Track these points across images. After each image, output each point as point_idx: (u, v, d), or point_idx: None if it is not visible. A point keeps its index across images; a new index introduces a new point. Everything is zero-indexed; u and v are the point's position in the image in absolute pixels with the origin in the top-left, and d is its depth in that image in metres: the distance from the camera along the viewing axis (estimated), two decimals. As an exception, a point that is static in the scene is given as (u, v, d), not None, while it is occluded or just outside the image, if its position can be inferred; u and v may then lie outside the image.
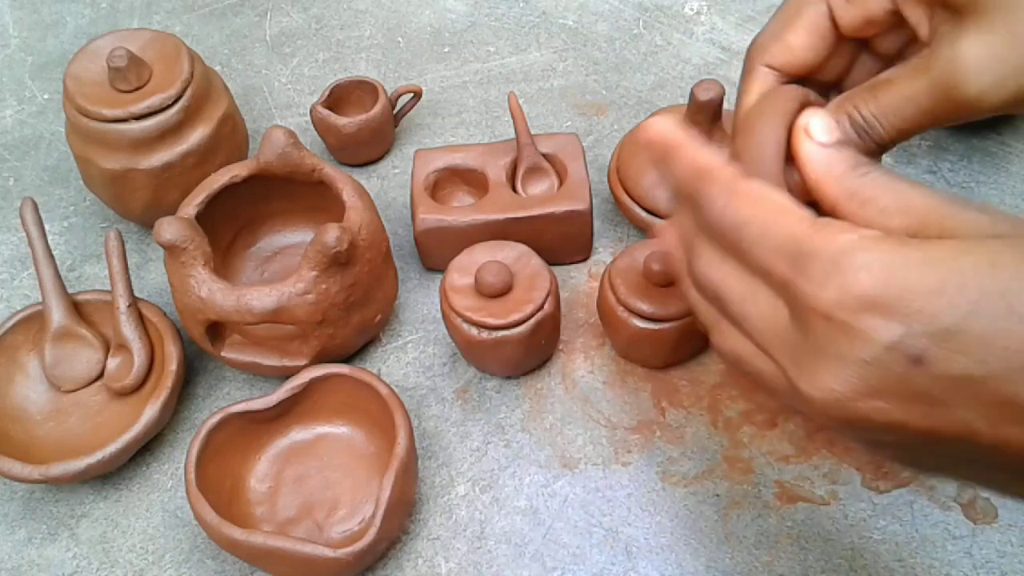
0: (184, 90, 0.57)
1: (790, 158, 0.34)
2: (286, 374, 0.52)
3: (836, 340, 0.27)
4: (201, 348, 0.56)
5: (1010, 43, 0.31)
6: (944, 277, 0.25)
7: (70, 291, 0.56)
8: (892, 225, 0.29)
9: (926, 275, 0.25)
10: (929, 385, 0.26)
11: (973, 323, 0.25)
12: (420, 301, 0.60)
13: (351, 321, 0.52)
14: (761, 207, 0.30)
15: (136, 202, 0.60)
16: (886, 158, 0.65)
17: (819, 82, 0.39)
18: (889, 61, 0.38)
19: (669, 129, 0.34)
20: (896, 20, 0.36)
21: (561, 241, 0.58)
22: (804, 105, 0.35)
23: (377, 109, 0.65)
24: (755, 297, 0.31)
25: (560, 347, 0.57)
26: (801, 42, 0.37)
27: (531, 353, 0.53)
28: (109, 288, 0.55)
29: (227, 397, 0.57)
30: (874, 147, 0.34)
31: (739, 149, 0.34)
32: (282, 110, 0.73)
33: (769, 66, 0.38)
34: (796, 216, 0.29)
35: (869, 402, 0.27)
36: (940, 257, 0.26)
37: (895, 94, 0.33)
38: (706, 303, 0.34)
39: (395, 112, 0.68)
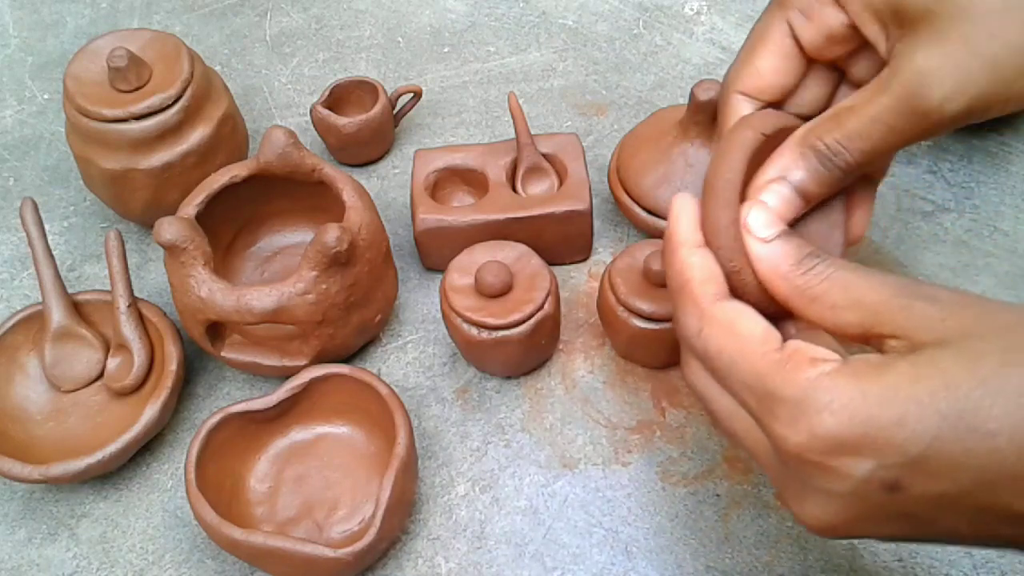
0: (184, 90, 0.57)
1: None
2: (286, 374, 0.52)
3: (814, 476, 0.28)
4: (201, 348, 0.56)
5: (966, 51, 0.31)
6: (904, 408, 0.26)
7: (70, 291, 0.56)
8: (843, 321, 0.30)
9: (886, 408, 0.26)
10: (909, 506, 0.27)
11: (939, 448, 0.25)
12: (420, 301, 0.60)
13: (351, 321, 0.52)
14: (728, 338, 0.31)
15: (136, 202, 0.60)
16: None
17: (803, 117, 0.39)
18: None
19: (678, 218, 0.35)
20: (857, 37, 0.36)
21: (561, 241, 0.58)
22: (782, 133, 0.35)
23: (377, 109, 0.65)
24: (739, 417, 0.32)
25: (560, 347, 0.57)
26: (768, 65, 0.37)
27: (531, 353, 0.53)
28: (109, 288, 0.55)
29: (227, 397, 0.57)
30: (840, 175, 0.34)
31: (703, 217, 0.35)
32: (282, 110, 0.73)
33: (742, 93, 0.38)
34: (760, 350, 0.30)
35: (856, 525, 0.29)
36: (897, 386, 0.26)
37: (859, 117, 0.33)
38: None
39: (395, 112, 0.68)
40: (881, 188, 0.63)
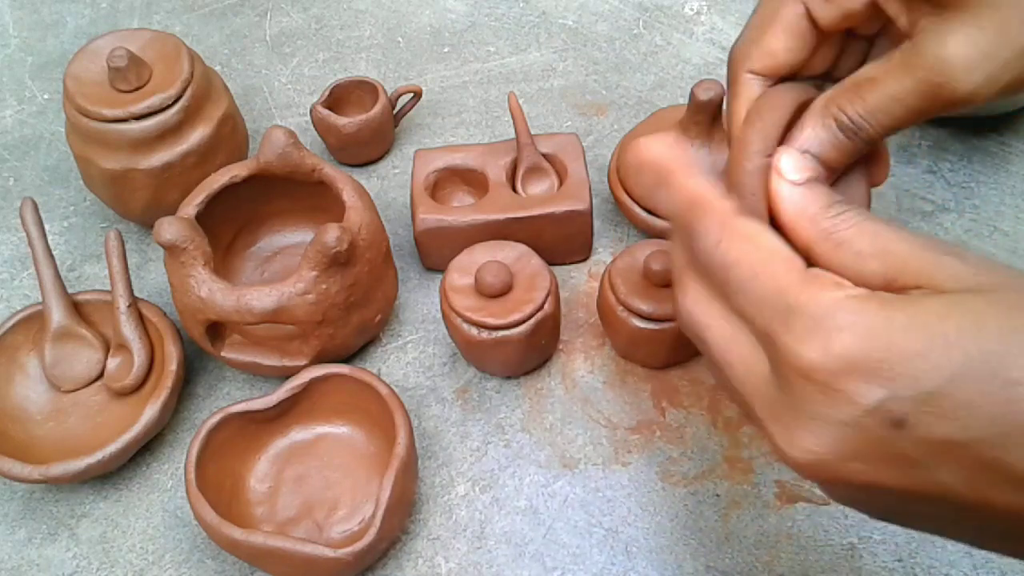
0: (184, 90, 0.57)
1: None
2: (286, 374, 0.52)
3: (816, 400, 0.26)
4: (201, 348, 0.56)
5: (999, 38, 0.30)
6: (928, 340, 0.25)
7: (70, 291, 0.56)
8: (868, 269, 0.28)
9: (910, 338, 0.25)
10: (910, 448, 0.25)
11: (956, 388, 0.24)
12: (420, 301, 0.60)
13: (351, 321, 0.52)
14: (752, 250, 0.29)
15: (136, 202, 0.60)
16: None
17: (808, 77, 0.38)
18: (872, 43, 0.38)
19: (665, 151, 0.34)
20: (876, 15, 0.35)
21: (561, 241, 0.58)
22: (800, 106, 0.35)
23: (377, 109, 0.65)
24: (738, 343, 0.30)
25: (560, 347, 0.57)
26: (782, 45, 0.36)
27: (531, 353, 0.53)
28: (109, 288, 0.55)
29: (227, 397, 0.57)
30: (863, 147, 0.34)
31: (731, 164, 0.34)
32: (282, 110, 0.73)
33: (753, 72, 0.37)
34: (786, 265, 0.28)
35: (848, 464, 0.27)
36: (925, 319, 0.25)
37: (882, 94, 0.33)
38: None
39: (395, 112, 0.68)
40: (881, 188, 0.63)
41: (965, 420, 0.24)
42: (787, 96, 0.35)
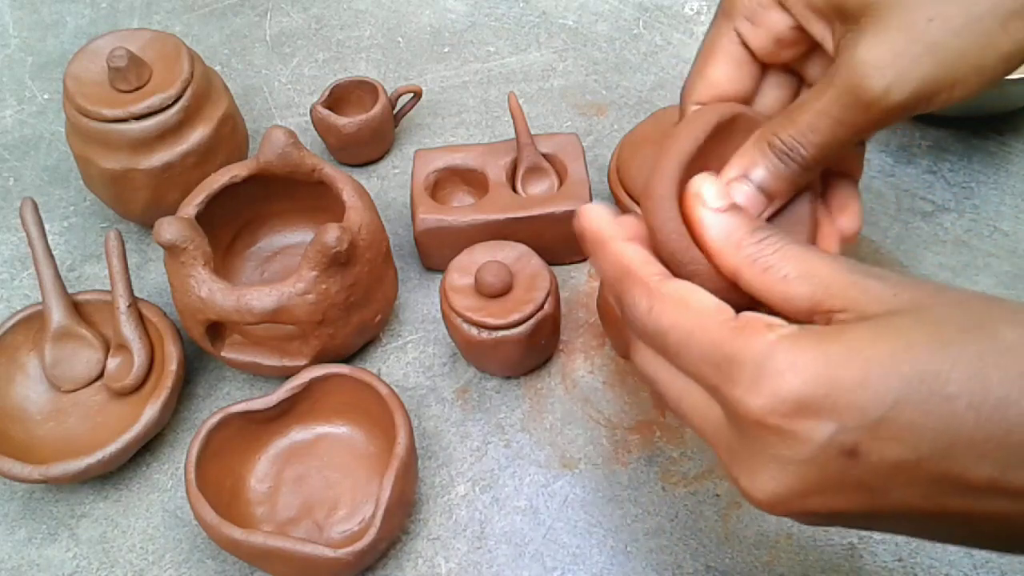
0: (184, 90, 0.57)
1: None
2: (286, 374, 0.52)
3: (771, 443, 0.27)
4: (201, 348, 0.56)
5: (906, 37, 0.31)
6: (866, 369, 0.26)
7: (70, 291, 0.56)
8: (795, 292, 0.29)
9: (848, 369, 0.26)
10: (865, 475, 0.26)
11: (900, 411, 0.25)
12: (420, 301, 0.60)
13: (351, 321, 0.52)
14: (683, 312, 0.30)
15: (136, 202, 0.60)
16: (886, 158, 0.65)
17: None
18: None
19: (597, 220, 0.34)
20: (805, 38, 0.36)
21: (561, 241, 0.58)
22: (726, 123, 0.35)
23: (377, 109, 0.65)
24: (690, 396, 0.31)
25: (560, 347, 0.57)
26: (722, 74, 0.37)
27: (531, 353, 0.53)
28: (109, 288, 0.55)
29: (227, 397, 0.57)
30: (799, 171, 0.34)
31: (645, 190, 0.34)
32: (282, 110, 0.73)
33: (699, 103, 0.38)
34: (717, 319, 0.29)
35: (810, 498, 0.28)
36: (858, 348, 0.26)
37: (809, 112, 0.33)
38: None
39: (395, 112, 0.68)
40: (881, 188, 0.64)
41: (912, 440, 0.25)
42: (703, 118, 0.35)
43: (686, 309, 0.30)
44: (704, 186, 0.33)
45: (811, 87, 0.39)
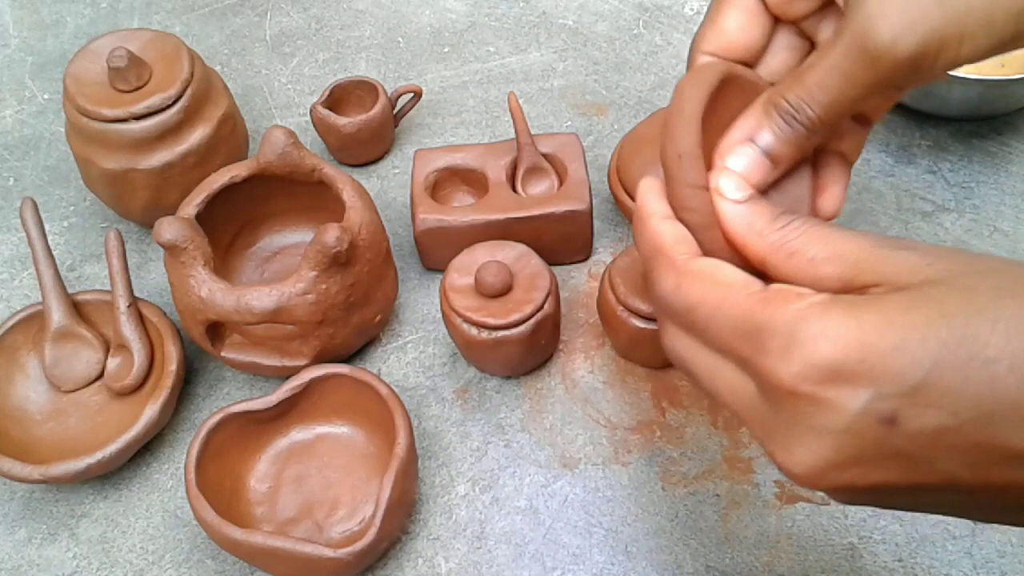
0: (184, 90, 0.57)
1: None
2: (286, 374, 0.52)
3: (806, 413, 0.27)
4: (201, 348, 0.56)
5: None
6: (901, 334, 0.25)
7: (70, 291, 0.56)
8: (824, 274, 0.29)
9: (883, 335, 0.25)
10: (905, 443, 0.26)
11: (938, 375, 0.24)
12: (420, 301, 0.60)
13: (351, 321, 0.52)
14: (710, 287, 0.30)
15: (136, 202, 0.60)
16: (886, 158, 0.65)
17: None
18: None
19: (644, 195, 0.34)
20: None
21: (561, 241, 0.58)
22: (723, 80, 0.35)
23: (377, 109, 0.65)
24: (721, 372, 0.31)
25: (560, 347, 0.57)
26: (733, 23, 0.37)
27: (531, 353, 0.53)
28: (109, 288, 0.55)
29: (227, 397, 0.57)
30: (805, 133, 0.34)
31: (661, 147, 0.34)
32: (282, 110, 0.73)
33: (708, 53, 0.37)
34: (744, 292, 0.29)
35: (850, 470, 0.27)
36: (892, 314, 0.25)
37: (816, 69, 0.33)
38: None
39: (395, 112, 0.68)
40: (881, 188, 0.64)
41: (953, 406, 0.24)
42: (703, 75, 0.34)
43: (713, 283, 0.30)
44: (721, 179, 0.33)
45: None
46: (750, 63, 0.38)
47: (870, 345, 0.25)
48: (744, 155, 0.34)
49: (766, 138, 0.34)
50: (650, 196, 0.34)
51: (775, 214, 0.31)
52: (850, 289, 0.28)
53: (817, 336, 0.26)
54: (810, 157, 0.37)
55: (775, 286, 0.29)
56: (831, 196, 0.37)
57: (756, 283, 0.29)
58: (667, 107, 0.35)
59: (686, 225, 0.33)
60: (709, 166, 0.34)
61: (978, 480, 0.26)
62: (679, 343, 0.32)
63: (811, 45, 0.39)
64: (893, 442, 0.26)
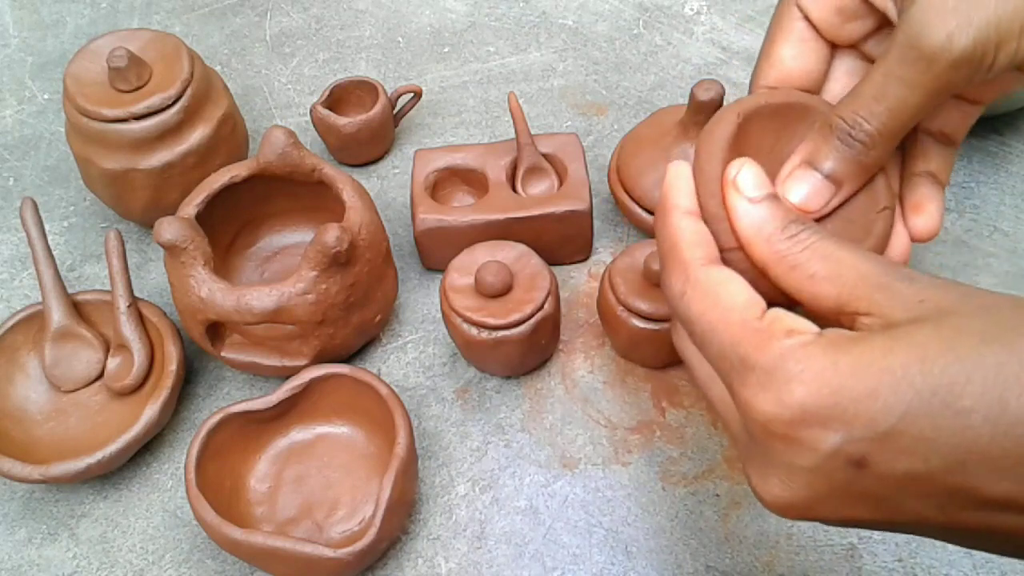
0: (184, 90, 0.57)
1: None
2: (286, 374, 0.52)
3: (778, 449, 0.27)
4: (201, 348, 0.56)
5: None
6: (876, 380, 0.25)
7: (70, 291, 0.56)
8: (821, 292, 0.29)
9: (859, 380, 0.25)
10: (875, 485, 0.26)
11: (910, 423, 0.25)
12: (420, 301, 0.60)
13: (351, 321, 0.52)
14: (711, 305, 0.30)
15: (136, 202, 0.60)
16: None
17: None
18: None
19: (673, 184, 0.34)
20: (868, 10, 0.35)
21: (561, 241, 0.58)
22: (781, 103, 0.34)
23: (377, 109, 0.65)
24: (715, 386, 0.31)
25: (560, 347, 0.57)
26: (787, 53, 0.36)
27: (531, 353, 0.53)
28: (109, 288, 0.55)
29: (227, 397, 0.57)
30: (864, 150, 0.33)
31: (694, 168, 0.34)
32: (282, 110, 0.73)
33: (767, 87, 0.37)
34: (739, 317, 0.29)
35: (819, 506, 0.27)
36: (871, 358, 0.26)
37: (872, 81, 0.32)
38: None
39: (395, 112, 0.68)
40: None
41: (923, 453, 0.25)
42: (727, 113, 0.34)
43: (714, 301, 0.30)
44: (742, 173, 0.32)
45: None
46: (815, 90, 0.37)
47: (844, 390, 0.25)
48: (804, 180, 0.34)
49: (824, 160, 0.34)
50: (678, 186, 0.33)
51: (787, 220, 0.31)
52: (843, 312, 0.29)
53: (792, 378, 0.26)
54: (889, 177, 0.36)
55: (771, 315, 0.29)
56: (927, 216, 0.37)
57: (756, 308, 0.29)
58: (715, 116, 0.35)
59: (706, 214, 0.33)
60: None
61: (949, 521, 0.26)
62: (684, 345, 0.33)
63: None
64: (862, 483, 0.26)
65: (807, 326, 0.28)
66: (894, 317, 0.27)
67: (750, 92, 0.38)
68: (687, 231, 0.32)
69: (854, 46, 0.38)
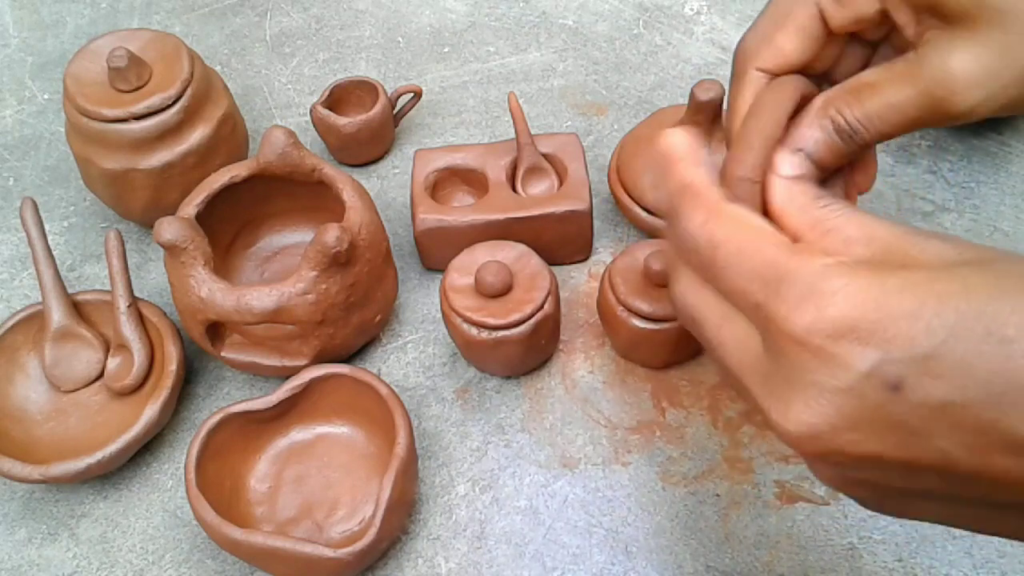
0: (184, 90, 0.57)
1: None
2: (286, 374, 0.52)
3: (810, 367, 0.26)
4: (201, 348, 0.56)
5: (1003, 59, 0.31)
6: (921, 301, 0.25)
7: (70, 291, 0.56)
8: (856, 254, 0.28)
9: (903, 300, 0.25)
10: (907, 413, 0.25)
11: (952, 348, 0.24)
12: (420, 301, 0.60)
13: (351, 321, 0.52)
14: (738, 228, 0.30)
15: (136, 202, 0.60)
16: (886, 158, 0.65)
17: (808, 75, 0.38)
18: (875, 48, 0.38)
19: (676, 142, 0.34)
20: (886, 21, 0.36)
21: (561, 241, 0.58)
22: (801, 100, 0.35)
23: (377, 109, 0.65)
24: (730, 323, 0.30)
25: (560, 347, 0.57)
26: (793, 45, 0.37)
27: (531, 353, 0.53)
28: (109, 288, 0.55)
29: (227, 397, 0.57)
30: (856, 150, 0.34)
31: (729, 158, 0.34)
32: (282, 110, 0.73)
33: (761, 69, 0.37)
34: (774, 240, 0.29)
35: (845, 434, 0.26)
36: (915, 282, 0.25)
37: (881, 101, 0.33)
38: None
39: (395, 112, 0.68)
40: (881, 188, 0.64)
41: (961, 381, 0.24)
42: (787, 91, 0.35)
43: (744, 225, 0.30)
44: (778, 156, 0.33)
45: (861, 43, 0.38)
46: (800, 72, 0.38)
47: (887, 307, 0.25)
48: (793, 163, 0.34)
49: (816, 148, 0.34)
50: (680, 143, 0.33)
51: (818, 194, 0.31)
52: None
53: (837, 291, 0.26)
54: None
55: (805, 243, 0.29)
56: (863, 173, 0.38)
57: (785, 236, 0.29)
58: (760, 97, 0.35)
59: (740, 171, 0.33)
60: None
61: (974, 465, 0.25)
62: (691, 290, 0.32)
63: (870, 49, 0.39)
64: (894, 410, 0.25)
65: (843, 251, 0.28)
66: (932, 267, 0.27)
67: (739, 69, 0.38)
68: (702, 175, 0.32)
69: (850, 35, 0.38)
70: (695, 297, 0.32)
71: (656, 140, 0.35)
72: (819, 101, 0.35)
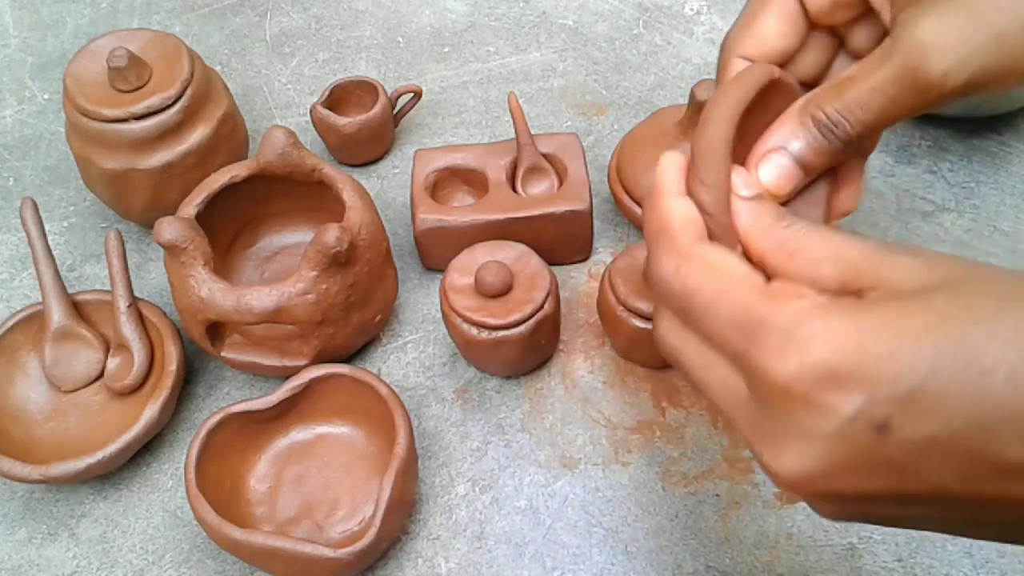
0: (184, 90, 0.57)
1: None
2: (286, 374, 0.52)
3: (797, 415, 0.26)
4: (201, 348, 0.56)
5: (971, 23, 0.31)
6: (898, 339, 0.25)
7: (70, 291, 0.56)
8: (823, 274, 0.28)
9: (880, 339, 0.25)
10: (896, 451, 0.25)
11: (934, 383, 0.24)
12: (420, 301, 0.60)
13: (351, 321, 0.52)
14: (711, 275, 0.29)
15: (136, 202, 0.60)
16: (886, 158, 0.65)
17: (801, 84, 0.38)
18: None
19: (665, 168, 0.33)
20: (862, 3, 0.36)
21: (561, 241, 0.58)
22: (767, 85, 0.34)
23: (377, 109, 0.65)
24: (713, 367, 0.30)
25: (560, 347, 0.57)
26: (772, 29, 0.37)
27: (531, 353, 0.53)
28: (109, 288, 0.55)
29: (227, 397, 0.57)
30: (840, 146, 0.34)
31: (693, 145, 0.34)
32: (282, 110, 0.73)
33: (743, 57, 0.37)
34: (747, 284, 0.28)
35: (837, 477, 0.26)
36: (890, 319, 0.25)
37: (860, 87, 0.33)
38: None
39: (395, 112, 0.68)
40: (881, 188, 0.64)
41: (946, 415, 0.24)
42: (752, 76, 0.34)
43: (715, 271, 0.29)
44: (732, 175, 0.33)
45: (851, 53, 0.38)
46: (781, 65, 0.38)
47: (866, 349, 0.25)
48: (776, 164, 0.34)
49: (799, 147, 0.34)
50: (669, 170, 0.33)
51: (780, 214, 0.31)
52: (848, 291, 0.28)
53: (815, 336, 0.26)
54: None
55: (777, 282, 0.29)
56: (849, 193, 0.37)
57: (759, 276, 0.29)
58: (713, 94, 0.34)
59: (700, 207, 0.33)
60: (740, 161, 0.34)
61: (968, 493, 0.25)
62: (672, 333, 0.32)
63: (839, 43, 0.39)
64: (884, 449, 0.25)
65: (815, 292, 0.28)
66: (903, 288, 0.27)
67: (722, 58, 0.38)
68: (677, 212, 0.32)
69: (830, 27, 0.38)
70: (677, 340, 0.32)
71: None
72: (800, 102, 0.35)
